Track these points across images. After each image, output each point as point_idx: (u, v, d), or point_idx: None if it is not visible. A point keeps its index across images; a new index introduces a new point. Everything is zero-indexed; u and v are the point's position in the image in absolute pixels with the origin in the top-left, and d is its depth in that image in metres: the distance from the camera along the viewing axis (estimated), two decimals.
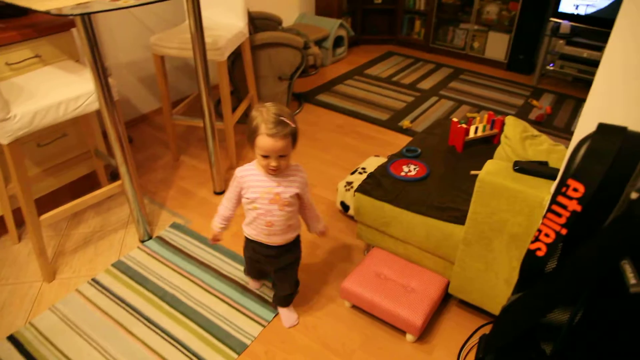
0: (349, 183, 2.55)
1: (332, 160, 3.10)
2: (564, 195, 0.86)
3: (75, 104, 2.06)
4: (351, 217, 2.56)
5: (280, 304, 2.00)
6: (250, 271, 2.07)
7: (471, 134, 2.40)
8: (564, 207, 0.86)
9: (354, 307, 2.06)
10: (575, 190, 0.85)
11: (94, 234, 2.50)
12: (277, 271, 1.87)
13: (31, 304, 2.09)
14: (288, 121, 1.50)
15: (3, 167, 2.21)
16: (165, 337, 1.92)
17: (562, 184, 0.86)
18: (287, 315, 2.00)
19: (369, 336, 1.94)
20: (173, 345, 1.88)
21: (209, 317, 2.00)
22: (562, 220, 0.87)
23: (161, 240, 2.42)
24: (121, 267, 2.25)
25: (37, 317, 2.01)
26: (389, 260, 2.10)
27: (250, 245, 1.84)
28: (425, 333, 1.94)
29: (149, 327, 1.95)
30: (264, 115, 1.50)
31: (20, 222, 2.45)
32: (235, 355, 1.85)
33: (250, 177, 1.65)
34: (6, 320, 2.01)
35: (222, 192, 2.79)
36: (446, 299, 2.09)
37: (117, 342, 1.89)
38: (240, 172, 1.67)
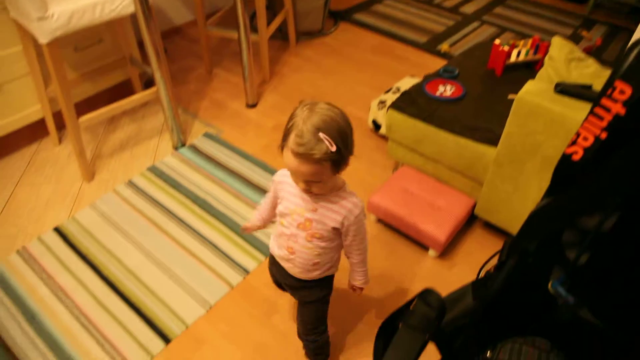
0: (382, 102, 2.51)
1: (366, 80, 3.04)
2: (609, 97, 0.83)
3: (112, 6, 2.05)
4: (382, 136, 2.56)
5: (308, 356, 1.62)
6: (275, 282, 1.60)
7: (513, 58, 2.30)
8: (608, 109, 0.83)
9: (380, 221, 2.11)
10: (621, 92, 0.81)
11: (129, 139, 2.57)
12: (298, 302, 1.48)
13: (73, 201, 2.21)
14: (327, 142, 1.04)
15: (43, 70, 2.26)
16: (197, 236, 2.02)
17: (609, 85, 0.83)
18: None
19: (392, 249, 2.00)
20: (204, 244, 1.98)
21: (238, 221, 2.08)
22: (604, 124, 0.84)
23: (194, 148, 2.48)
24: (155, 171, 2.33)
25: (79, 213, 2.13)
26: (418, 178, 2.11)
27: (272, 258, 1.45)
28: (447, 250, 1.98)
29: (181, 227, 2.05)
30: (300, 122, 1.06)
31: (60, 126, 2.54)
32: (262, 258, 1.94)
33: (286, 186, 1.25)
34: (51, 215, 2.14)
35: (254, 105, 2.80)
36: (471, 221, 2.11)
37: (151, 238, 2.01)
38: (278, 176, 1.29)
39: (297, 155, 1.06)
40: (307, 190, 1.16)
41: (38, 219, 2.13)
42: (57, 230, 2.06)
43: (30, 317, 1.74)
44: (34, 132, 2.53)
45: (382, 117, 2.47)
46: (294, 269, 1.33)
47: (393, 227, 2.05)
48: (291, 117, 1.10)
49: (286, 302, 1.80)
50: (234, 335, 1.70)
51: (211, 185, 2.26)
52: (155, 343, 1.66)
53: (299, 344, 1.61)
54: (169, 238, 2.01)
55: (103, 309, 1.76)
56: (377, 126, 2.52)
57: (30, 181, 2.32)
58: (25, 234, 2.06)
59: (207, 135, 2.56)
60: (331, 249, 1.28)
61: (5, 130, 2.34)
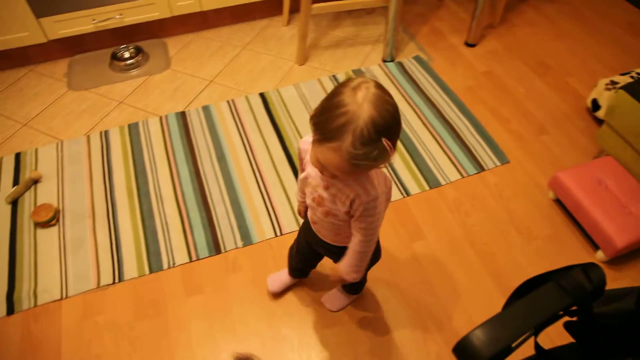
0: (614, 83, 2.17)
1: (604, 56, 2.63)
2: None
3: None
4: (595, 119, 2.24)
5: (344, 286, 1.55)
6: (293, 259, 1.51)
7: None
8: None
9: (557, 201, 1.90)
10: None
11: (345, 39, 2.67)
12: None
13: (282, 77, 2.42)
14: (389, 148, 0.84)
15: None
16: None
17: None
18: (335, 297, 1.59)
19: (557, 233, 1.80)
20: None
21: (419, 149, 2.07)
22: None
23: (401, 66, 2.48)
24: (359, 75, 2.41)
25: (284, 88, 2.34)
26: (619, 174, 1.82)
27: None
28: (619, 260, 1.72)
29: None
30: (358, 118, 0.82)
31: (293, 9, 2.74)
32: (427, 187, 1.93)
33: (309, 153, 1.02)
34: (262, 82, 2.39)
35: (473, 45, 2.66)
36: None
37: None
38: (304, 144, 1.10)
39: (349, 160, 0.84)
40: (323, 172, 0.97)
41: (251, 81, 2.39)
42: (262, 95, 2.29)
43: (221, 155, 2.02)
44: (269, 8, 2.78)
45: (606, 98, 2.14)
46: (320, 232, 1.20)
47: (569, 212, 1.84)
48: (339, 101, 0.84)
49: (432, 230, 1.78)
50: None
51: (405, 106, 2.26)
52: None
53: (431, 275, 1.61)
54: None
55: (275, 172, 1.96)
56: (595, 107, 2.21)
57: (255, 49, 2.60)
58: (237, 90, 2.34)
59: (417, 59, 2.53)
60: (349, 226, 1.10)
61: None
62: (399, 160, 2.01)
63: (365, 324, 1.56)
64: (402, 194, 1.90)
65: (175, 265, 1.67)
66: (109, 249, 1.72)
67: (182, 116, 2.20)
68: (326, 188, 1.04)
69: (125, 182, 1.94)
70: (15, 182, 1.99)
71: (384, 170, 1.02)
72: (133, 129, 2.15)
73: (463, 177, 1.97)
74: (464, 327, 1.54)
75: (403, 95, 2.30)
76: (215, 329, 1.53)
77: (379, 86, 0.86)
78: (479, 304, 1.60)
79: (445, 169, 1.99)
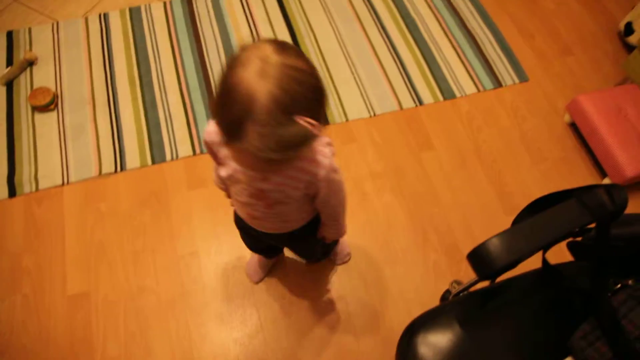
0: None
1: None
2: None
3: None
4: (625, 45, 2.11)
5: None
6: (247, 243, 1.31)
7: None
8: None
9: (572, 125, 1.85)
10: None
11: None
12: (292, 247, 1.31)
13: None
14: (308, 124, 0.64)
15: None
16: (391, 49, 1.96)
17: None
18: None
19: (567, 157, 1.76)
20: (394, 59, 1.93)
21: (436, 56, 1.96)
22: None
23: None
24: None
25: None
26: None
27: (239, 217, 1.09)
28: (627, 189, 1.71)
29: (381, 34, 2.00)
30: (256, 103, 0.62)
31: None
32: (441, 99, 1.85)
33: (222, 148, 0.84)
34: None
35: None
36: None
37: (351, 31, 1.99)
38: (209, 135, 0.85)
39: (263, 159, 0.65)
40: None
41: None
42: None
43: (228, 48, 1.91)
44: None
45: None
46: (265, 226, 1.02)
47: (583, 137, 1.79)
48: (230, 84, 0.63)
49: (442, 142, 1.75)
50: (382, 147, 1.72)
51: (426, 9, 2.11)
52: None
53: (437, 187, 1.59)
54: (366, 39, 1.98)
55: None
56: (628, 31, 2.07)
57: None
58: None
59: None
60: (302, 205, 0.94)
61: None
62: (415, 66, 1.92)
63: (367, 224, 1.56)
64: (414, 102, 1.83)
65: (179, 157, 1.64)
66: (110, 138, 1.68)
67: (188, 3, 2.04)
68: (265, 179, 0.82)
69: (127, 70, 1.84)
70: (9, 62, 1.88)
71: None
72: (135, 13, 2.01)
73: (479, 91, 1.89)
74: (463, 240, 1.56)
75: (427, 1, 2.14)
76: (217, 222, 1.53)
77: (278, 49, 0.64)
78: (480, 219, 1.60)
79: (462, 81, 1.91)
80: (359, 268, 1.49)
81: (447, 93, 1.87)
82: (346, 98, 1.81)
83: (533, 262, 0.92)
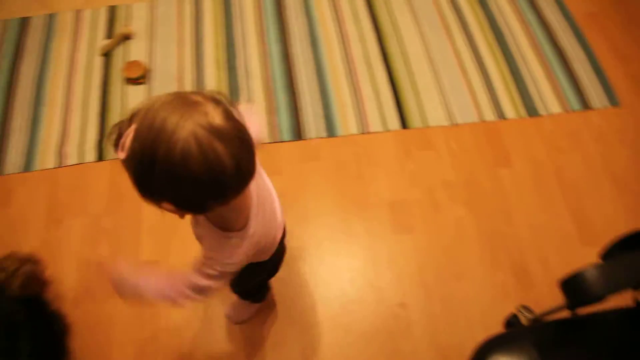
0: None
1: None
2: None
3: None
4: None
5: None
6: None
7: None
8: None
9: None
10: None
11: None
12: None
13: None
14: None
15: None
16: (476, 58, 1.91)
17: None
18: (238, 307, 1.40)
19: None
20: (478, 68, 1.88)
21: (522, 70, 1.89)
22: None
23: None
24: None
25: None
26: None
27: None
28: None
29: (467, 42, 1.95)
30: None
31: None
32: (524, 115, 1.79)
33: None
34: None
35: None
36: None
37: (436, 36, 1.97)
38: None
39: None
40: None
41: None
42: None
43: (313, 40, 1.92)
44: None
45: None
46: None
47: None
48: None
49: (520, 160, 1.69)
50: (458, 158, 1.69)
51: (517, 23, 2.04)
52: (393, 121, 1.74)
53: (511, 205, 1.55)
54: (452, 46, 1.94)
55: (367, 67, 1.86)
56: None
57: None
58: None
59: None
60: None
61: None
62: (499, 79, 1.86)
63: (436, 233, 1.54)
64: (496, 115, 1.78)
65: None
66: None
67: None
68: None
69: (214, 53, 1.90)
70: (109, 35, 1.98)
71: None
72: None
73: (565, 111, 1.82)
74: (534, 264, 1.50)
75: (514, 9, 2.07)
76: (287, 213, 1.54)
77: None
78: (554, 245, 1.54)
79: (547, 99, 1.84)
80: (424, 277, 1.48)
81: (531, 110, 1.80)
82: (427, 104, 1.79)
83: (619, 299, 0.88)
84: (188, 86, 1.81)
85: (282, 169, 1.63)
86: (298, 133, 1.69)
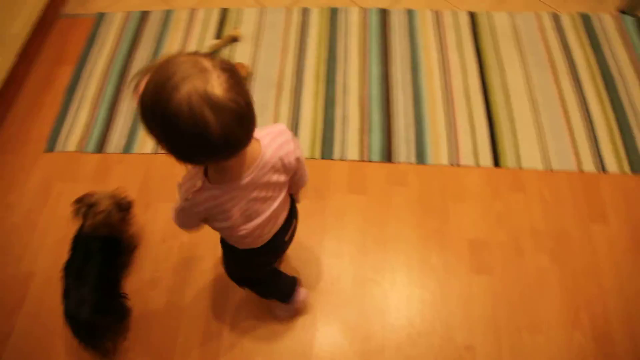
0: None
1: None
2: None
3: None
4: None
5: None
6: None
7: None
8: None
9: None
10: None
11: None
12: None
13: (499, 1, 2.18)
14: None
15: None
16: (581, 104, 1.82)
17: None
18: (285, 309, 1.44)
19: None
20: (582, 115, 1.80)
21: (631, 122, 1.78)
22: None
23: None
24: (586, 22, 2.07)
25: (496, 13, 2.10)
26: None
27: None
28: None
29: (573, 86, 1.87)
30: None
31: None
32: (629, 172, 1.68)
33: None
34: (473, 0, 2.17)
35: None
36: None
37: (541, 75, 1.90)
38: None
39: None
40: None
41: None
42: (472, 15, 2.09)
43: (414, 66, 1.92)
44: None
45: None
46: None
47: None
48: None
49: (618, 219, 1.58)
50: (550, 206, 1.61)
51: (631, 72, 1.92)
52: (486, 157, 1.69)
53: (602, 266, 1.45)
54: (556, 88, 1.87)
55: (466, 98, 1.83)
56: None
57: None
58: (446, 1, 2.15)
59: None
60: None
61: None
62: (604, 129, 1.76)
63: (517, 281, 1.48)
64: (597, 167, 1.69)
65: (346, 159, 1.69)
66: (287, 123, 1.78)
67: (384, 14, 2.10)
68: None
69: (315, 64, 1.94)
70: (217, 35, 2.08)
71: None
72: (333, 13, 2.11)
73: None
74: (620, 332, 1.40)
75: (631, 56, 1.96)
76: (367, 233, 1.56)
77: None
78: None
79: None
80: (497, 322, 1.42)
81: (636, 166, 1.69)
82: (523, 144, 1.73)
83: None
84: (286, 92, 1.87)
85: (367, 188, 1.63)
86: (387, 155, 1.69)
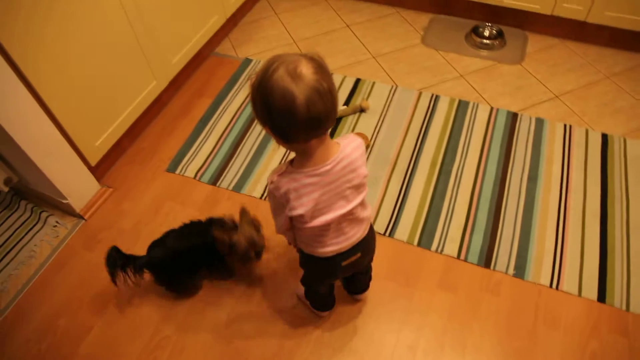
0: None
1: None
2: None
3: None
4: None
5: None
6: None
7: None
8: None
9: None
10: None
11: None
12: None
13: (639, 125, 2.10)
14: None
15: None
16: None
17: None
18: None
19: None
20: None
21: None
22: None
23: None
24: None
25: (633, 140, 2.02)
26: None
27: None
28: None
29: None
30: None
31: None
32: None
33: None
34: (608, 122, 2.11)
35: None
36: None
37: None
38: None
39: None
40: None
41: (599, 115, 2.13)
42: (605, 137, 2.03)
43: (533, 176, 1.89)
44: None
45: None
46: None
47: None
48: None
49: None
50: None
51: None
52: (591, 289, 1.59)
53: None
54: None
55: (581, 221, 1.75)
56: None
57: (619, 82, 2.29)
58: (580, 119, 2.12)
59: None
60: None
61: None
62: None
63: None
64: None
65: (442, 252, 1.69)
66: (393, 202, 1.84)
67: (513, 117, 2.11)
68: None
69: (434, 151, 1.99)
70: (346, 102, 2.23)
71: None
72: (462, 106, 2.17)
73: None
74: None
75: None
76: (447, 330, 1.53)
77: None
78: None
79: None
80: None
81: None
82: (636, 286, 1.61)
83: None
84: (399, 171, 1.93)
85: (458, 288, 1.61)
86: (485, 260, 1.66)
